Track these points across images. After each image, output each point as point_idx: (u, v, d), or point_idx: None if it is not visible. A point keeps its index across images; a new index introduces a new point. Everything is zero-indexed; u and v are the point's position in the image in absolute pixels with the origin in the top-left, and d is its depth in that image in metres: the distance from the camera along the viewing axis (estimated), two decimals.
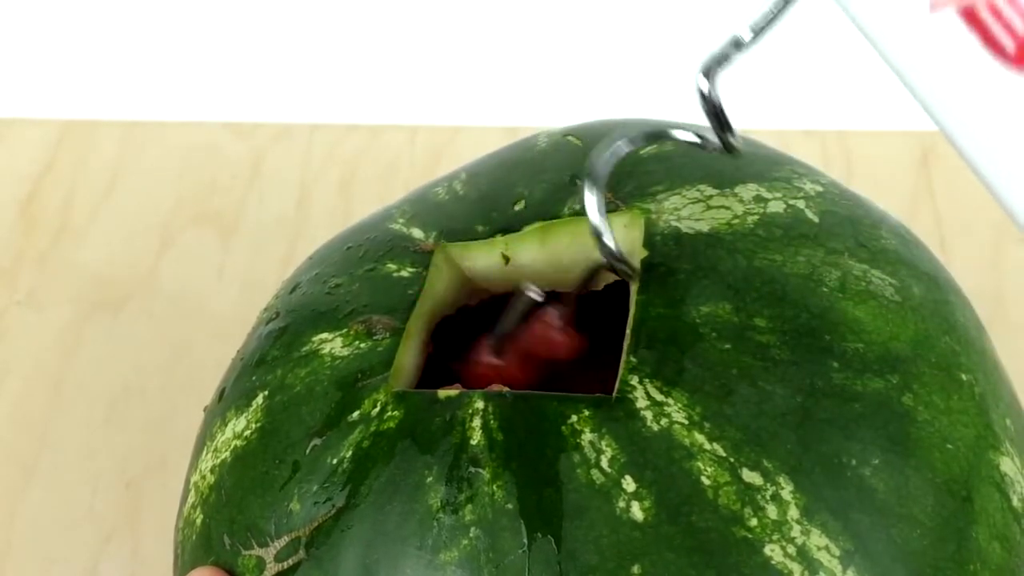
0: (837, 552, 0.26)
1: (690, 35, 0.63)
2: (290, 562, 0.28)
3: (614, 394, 0.28)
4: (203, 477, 0.32)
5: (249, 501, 0.30)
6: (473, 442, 0.28)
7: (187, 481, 0.34)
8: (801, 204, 0.32)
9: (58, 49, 0.67)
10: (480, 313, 0.35)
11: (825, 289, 0.29)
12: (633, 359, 0.28)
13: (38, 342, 0.56)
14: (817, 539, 0.26)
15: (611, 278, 0.33)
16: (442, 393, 0.29)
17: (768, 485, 0.26)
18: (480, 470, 0.27)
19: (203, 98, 0.66)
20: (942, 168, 0.60)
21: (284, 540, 0.29)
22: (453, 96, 0.65)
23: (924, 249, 0.34)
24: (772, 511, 0.26)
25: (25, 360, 0.56)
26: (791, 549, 0.26)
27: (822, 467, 0.26)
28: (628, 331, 0.29)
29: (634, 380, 0.28)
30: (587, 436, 0.27)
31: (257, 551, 0.29)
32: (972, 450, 0.28)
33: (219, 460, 0.32)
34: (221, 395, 0.34)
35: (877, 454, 0.27)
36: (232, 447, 0.31)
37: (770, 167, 0.34)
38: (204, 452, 0.33)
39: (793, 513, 0.26)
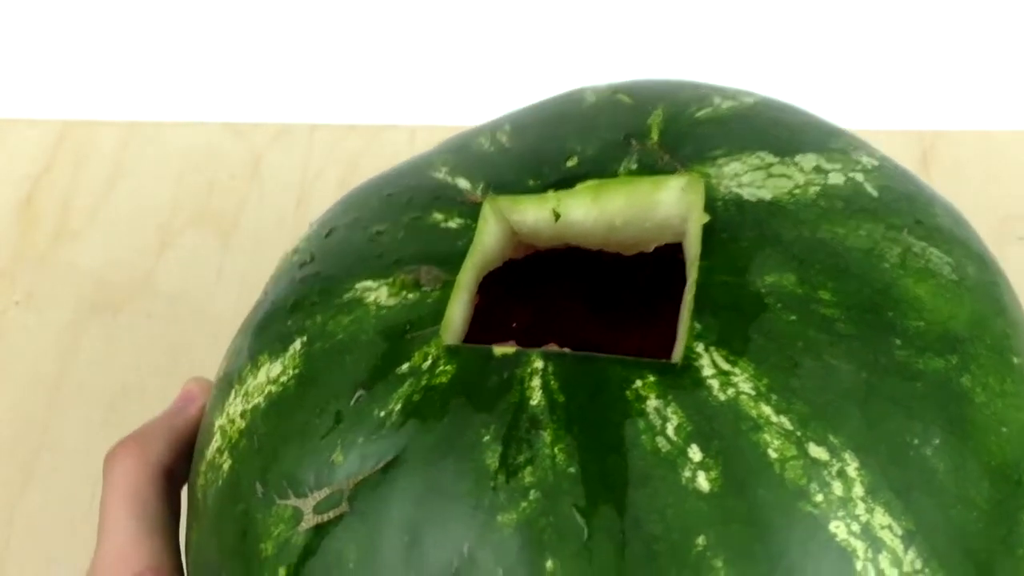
0: (899, 532, 0.25)
1: (688, 41, 0.63)
2: (331, 515, 0.27)
3: (679, 360, 0.27)
4: (231, 421, 0.31)
5: (286, 450, 0.28)
6: (533, 402, 0.26)
7: (209, 424, 0.32)
8: (860, 177, 0.31)
9: (58, 49, 0.67)
10: (526, 267, 0.34)
11: (887, 265, 0.29)
12: (697, 325, 0.27)
13: (37, 343, 0.56)
14: (881, 518, 0.25)
15: (661, 240, 0.32)
16: (498, 350, 0.28)
17: (834, 461, 0.25)
18: (541, 432, 0.26)
19: (203, 98, 0.66)
20: (942, 168, 0.60)
21: (325, 492, 0.27)
22: (453, 96, 0.65)
23: (972, 230, 0.33)
24: (838, 488, 0.25)
25: (24, 361, 0.56)
26: (855, 527, 0.25)
27: (887, 445, 0.26)
28: (689, 296, 0.28)
29: (699, 347, 0.27)
30: (652, 403, 0.26)
31: (294, 501, 0.28)
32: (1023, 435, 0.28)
33: (251, 405, 0.30)
34: (246, 335, 0.33)
35: (937, 434, 0.26)
36: (267, 392, 0.30)
37: (826, 138, 0.33)
38: (232, 395, 0.31)
39: (858, 491, 0.25)
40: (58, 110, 0.65)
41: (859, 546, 0.25)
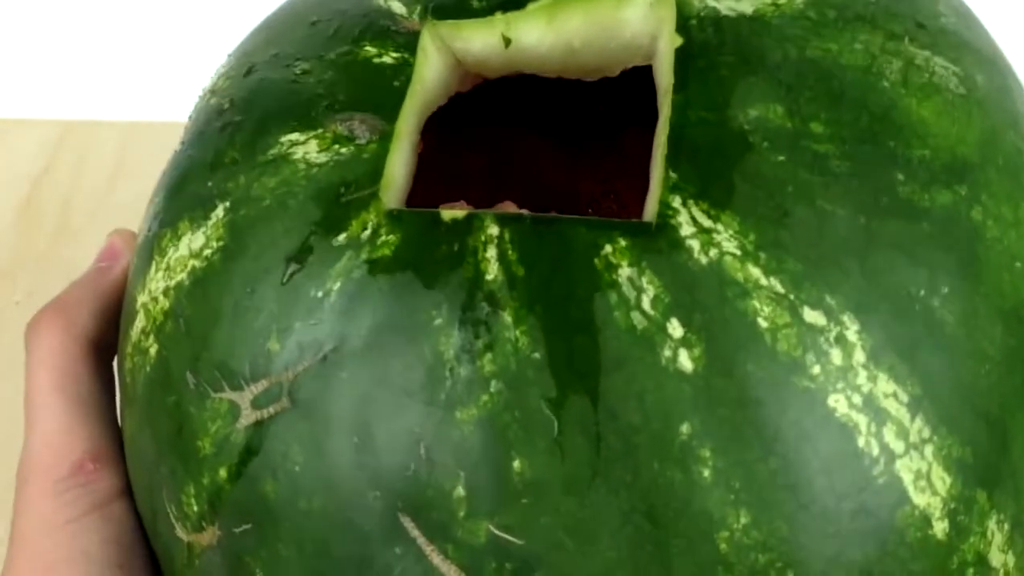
0: (905, 399, 0.23)
1: None
2: (271, 410, 0.24)
3: (653, 219, 0.23)
4: (154, 299, 0.27)
5: (216, 336, 0.25)
6: (489, 277, 0.23)
7: (131, 299, 0.29)
8: None
9: (58, 49, 0.67)
10: (474, 100, 0.30)
11: (886, 83, 0.25)
12: (673, 175, 0.23)
13: None
14: (884, 385, 0.22)
15: (629, 62, 0.28)
16: (446, 214, 0.24)
17: (832, 325, 0.22)
18: (500, 312, 0.23)
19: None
20: None
21: (262, 384, 0.24)
22: None
23: (980, 25, 0.29)
24: (836, 356, 0.22)
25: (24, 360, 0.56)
26: (856, 399, 0.22)
27: (890, 301, 0.23)
28: (662, 138, 0.24)
29: (676, 202, 0.23)
30: (624, 271, 0.23)
31: (229, 394, 0.25)
32: None
33: (174, 282, 0.27)
34: (165, 193, 0.29)
35: (946, 280, 0.23)
36: (190, 268, 0.26)
37: None
38: (153, 268, 0.28)
39: (859, 357, 0.22)
40: (59, 110, 0.65)
41: (861, 420, 0.22)
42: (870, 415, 0.22)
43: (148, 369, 0.27)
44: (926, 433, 0.23)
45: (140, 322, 0.28)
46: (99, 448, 0.29)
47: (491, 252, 0.23)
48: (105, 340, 0.31)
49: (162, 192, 0.29)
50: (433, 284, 0.23)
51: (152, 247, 0.28)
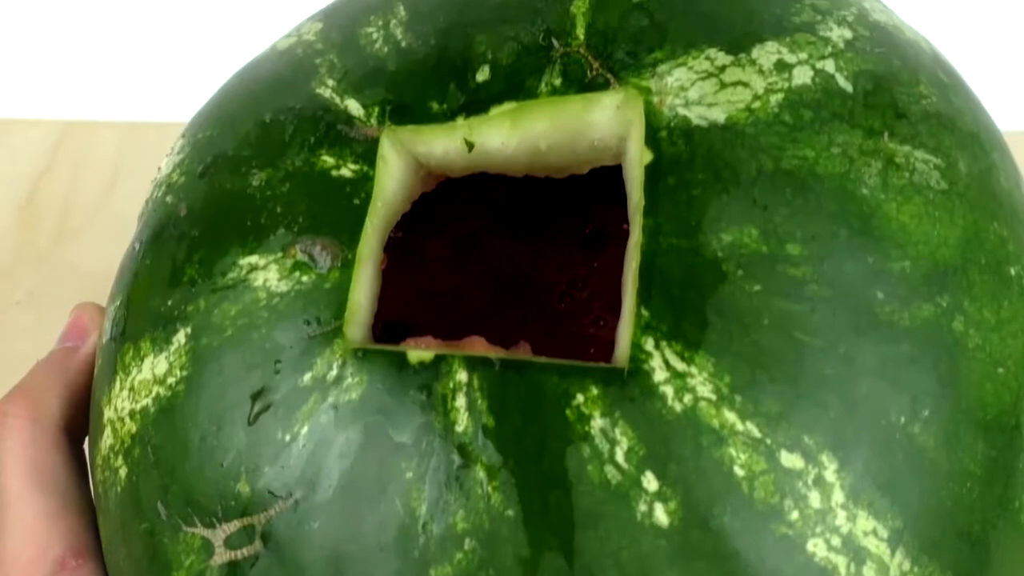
0: (885, 534, 0.22)
1: None
2: (245, 552, 0.24)
3: (625, 364, 0.23)
4: (120, 419, 0.27)
5: (185, 470, 0.25)
6: (459, 428, 0.23)
7: (98, 406, 0.28)
8: (830, 67, 0.26)
9: (58, 49, 0.67)
10: (437, 195, 0.29)
11: (865, 191, 0.24)
12: (645, 312, 0.23)
13: (37, 343, 0.56)
14: (864, 523, 0.22)
15: (598, 162, 0.27)
16: (413, 355, 0.23)
17: (810, 468, 0.22)
18: (472, 466, 0.22)
19: (203, 98, 0.66)
20: None
21: (235, 525, 0.24)
22: None
23: (962, 91, 0.28)
24: (815, 499, 0.22)
25: (24, 361, 0.56)
26: (836, 540, 0.22)
27: (870, 433, 0.22)
28: (633, 268, 0.24)
29: (649, 344, 0.23)
30: (597, 423, 0.22)
31: (201, 530, 0.25)
32: (1022, 365, 0.24)
33: (139, 406, 0.26)
34: (124, 299, 0.28)
35: (927, 403, 0.23)
36: (155, 395, 0.26)
37: (787, 1, 0.27)
38: (117, 384, 0.27)
39: (838, 497, 0.22)
40: (59, 110, 0.65)
41: (840, 561, 0.22)
42: (849, 555, 0.22)
43: (119, 489, 0.27)
44: (906, 566, 0.22)
45: (108, 439, 0.27)
46: (79, 543, 0.29)
47: (460, 401, 0.23)
48: (75, 424, 0.31)
49: (121, 297, 0.29)
50: (402, 434, 0.23)
51: (115, 359, 0.28)
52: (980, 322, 0.24)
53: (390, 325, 0.35)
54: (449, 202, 0.36)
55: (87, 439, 0.30)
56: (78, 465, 0.30)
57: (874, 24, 0.27)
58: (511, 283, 0.37)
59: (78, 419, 0.31)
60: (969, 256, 0.24)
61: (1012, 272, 0.25)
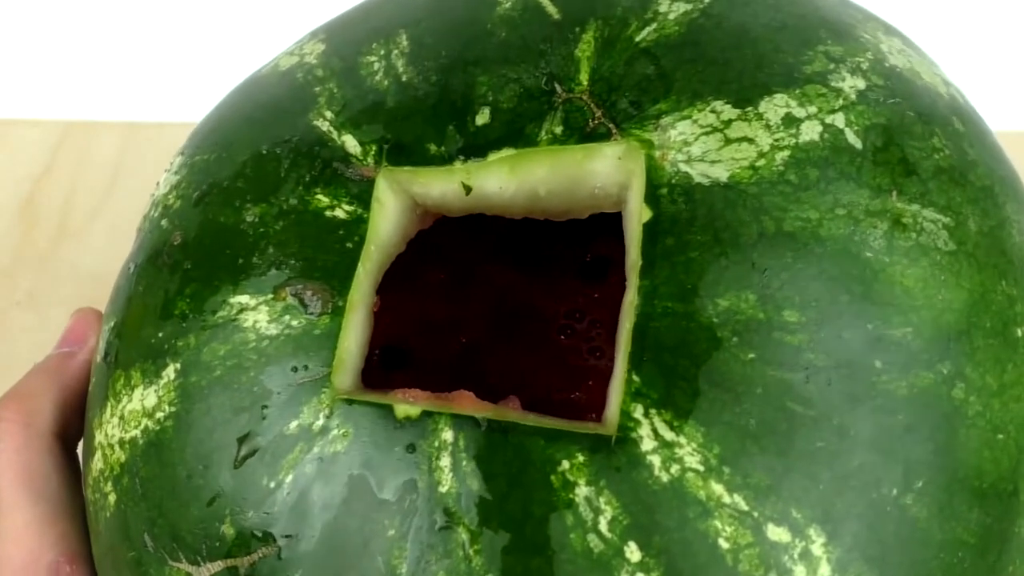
0: None
1: None
2: None
3: (613, 431, 0.22)
4: (111, 446, 0.27)
5: (171, 506, 0.25)
6: (443, 489, 0.22)
7: (89, 428, 0.28)
8: (840, 121, 0.25)
9: (58, 49, 0.67)
10: (435, 231, 0.29)
11: (869, 254, 0.23)
12: (636, 378, 0.22)
13: (37, 343, 0.56)
14: None
15: (597, 209, 0.27)
16: (400, 411, 0.23)
17: (797, 541, 0.22)
18: (455, 528, 0.22)
19: (203, 98, 0.66)
20: None
21: (218, 565, 0.24)
22: None
23: (978, 139, 0.27)
24: (800, 573, 0.21)
25: (24, 361, 0.56)
26: None
27: (860, 506, 0.22)
28: (627, 329, 0.23)
29: (638, 412, 0.22)
30: (582, 491, 0.22)
31: (186, 567, 0.25)
32: (1023, 429, 0.24)
33: (128, 436, 0.26)
34: (118, 322, 0.28)
35: (921, 474, 0.22)
36: (144, 427, 0.26)
37: (799, 48, 0.26)
38: (108, 409, 0.27)
39: (824, 571, 0.22)
40: (59, 110, 0.65)
41: None
42: None
43: (108, 515, 0.27)
44: None
45: (99, 463, 0.27)
46: (72, 549, 0.29)
47: (445, 461, 0.23)
48: (69, 430, 0.30)
49: (114, 320, 0.29)
50: (385, 491, 0.23)
51: (107, 383, 0.28)
52: (982, 388, 0.23)
53: (386, 350, 0.35)
54: (448, 233, 0.36)
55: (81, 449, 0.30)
56: (71, 471, 0.30)
57: (889, 71, 0.26)
58: (510, 312, 0.37)
59: (72, 425, 0.30)
60: (974, 320, 0.24)
61: (1019, 333, 0.25)
